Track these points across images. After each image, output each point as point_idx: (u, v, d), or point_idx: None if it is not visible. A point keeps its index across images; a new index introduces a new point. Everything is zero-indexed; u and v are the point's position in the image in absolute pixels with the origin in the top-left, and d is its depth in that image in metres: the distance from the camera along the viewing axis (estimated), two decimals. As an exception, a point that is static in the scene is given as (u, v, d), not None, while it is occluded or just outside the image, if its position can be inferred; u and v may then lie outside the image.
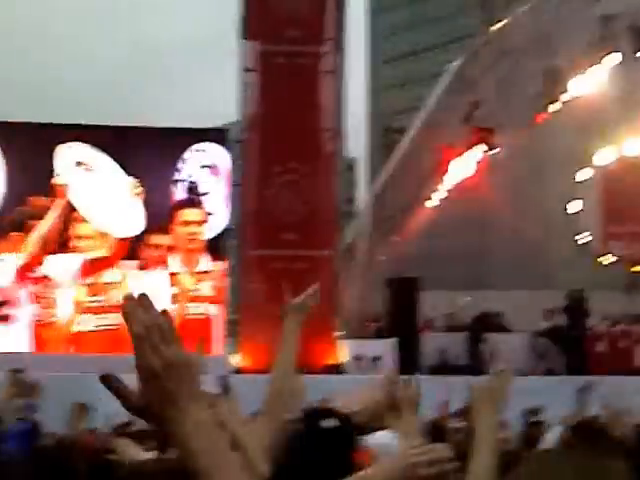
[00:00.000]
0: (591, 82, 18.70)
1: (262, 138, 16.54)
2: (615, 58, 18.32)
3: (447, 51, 32.48)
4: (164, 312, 1.45)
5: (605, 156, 20.64)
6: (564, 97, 18.84)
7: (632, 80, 19.48)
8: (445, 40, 45.41)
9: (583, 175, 20.72)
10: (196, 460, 1.38)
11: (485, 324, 18.01)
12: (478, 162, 19.54)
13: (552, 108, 19.02)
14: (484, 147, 19.30)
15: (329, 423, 1.89)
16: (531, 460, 1.58)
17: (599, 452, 1.43)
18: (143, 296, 1.43)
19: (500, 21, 18.85)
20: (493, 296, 19.18)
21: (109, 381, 1.40)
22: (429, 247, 20.75)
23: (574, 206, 20.91)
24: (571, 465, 1.40)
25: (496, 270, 21.24)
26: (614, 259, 20.74)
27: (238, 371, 14.96)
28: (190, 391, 1.41)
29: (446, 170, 19.89)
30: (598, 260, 20.64)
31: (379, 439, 4.22)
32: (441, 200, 20.19)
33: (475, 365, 16.18)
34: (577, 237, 20.80)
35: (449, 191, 20.06)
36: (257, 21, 16.73)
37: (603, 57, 18.35)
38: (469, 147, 19.43)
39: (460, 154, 19.55)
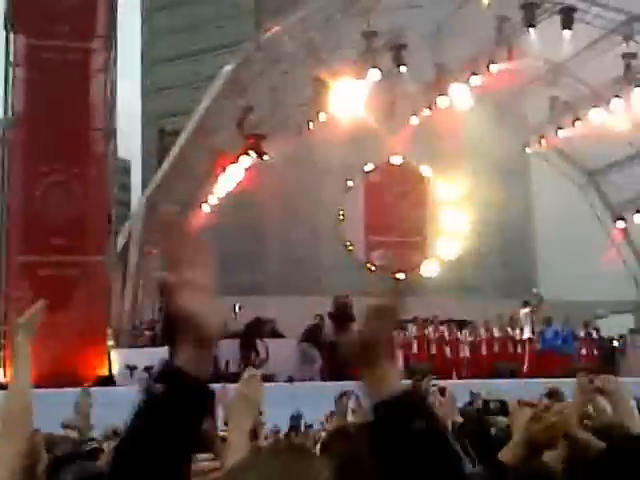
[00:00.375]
0: (356, 94, 19.48)
1: (28, 136, 15.76)
2: (376, 73, 19.19)
3: (223, 54, 32.57)
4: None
5: (368, 168, 21.64)
6: (331, 108, 19.48)
7: (392, 95, 20.47)
8: (221, 43, 45.51)
9: (350, 185, 21.54)
10: None
11: (258, 330, 18.17)
12: (249, 168, 19.68)
13: (321, 118, 19.59)
14: (255, 153, 19.47)
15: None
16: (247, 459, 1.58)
17: (306, 454, 1.46)
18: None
19: (271, 28, 19.06)
20: (267, 302, 19.38)
21: None
22: (203, 252, 20.59)
23: (343, 215, 21.68)
24: (277, 464, 1.43)
25: (270, 276, 21.52)
26: (375, 267, 21.71)
27: (2, 387, 14.10)
28: None
29: (221, 175, 19.88)
30: (365, 267, 21.48)
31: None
32: (215, 206, 20.14)
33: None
34: (345, 244, 21.53)
35: (223, 197, 20.05)
36: (23, 14, 15.95)
37: (366, 71, 19.15)
38: (243, 153, 19.52)
39: (235, 159, 19.60)
